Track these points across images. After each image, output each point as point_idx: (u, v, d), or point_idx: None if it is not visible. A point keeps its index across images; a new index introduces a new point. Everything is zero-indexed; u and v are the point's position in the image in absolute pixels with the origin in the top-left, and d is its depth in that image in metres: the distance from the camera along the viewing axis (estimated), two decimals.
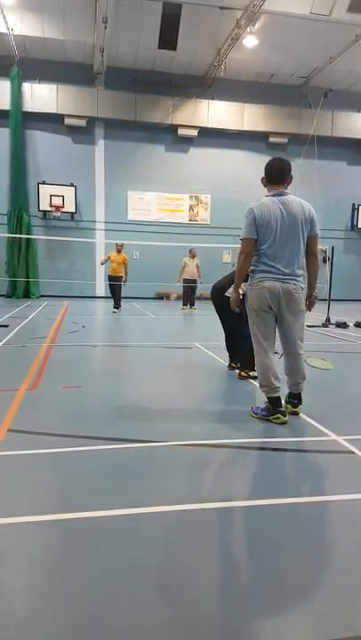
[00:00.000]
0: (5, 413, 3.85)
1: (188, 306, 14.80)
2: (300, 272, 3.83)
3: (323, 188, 19.89)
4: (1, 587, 1.82)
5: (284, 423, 3.77)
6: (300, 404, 4.04)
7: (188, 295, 14.86)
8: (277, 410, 3.82)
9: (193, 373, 5.85)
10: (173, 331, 10.28)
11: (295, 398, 4.04)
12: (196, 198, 19.66)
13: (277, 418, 3.80)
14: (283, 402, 3.93)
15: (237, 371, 5.58)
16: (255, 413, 3.97)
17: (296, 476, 2.99)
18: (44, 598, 1.79)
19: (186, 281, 14.75)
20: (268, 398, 3.88)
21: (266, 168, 3.90)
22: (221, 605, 1.76)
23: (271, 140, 19.45)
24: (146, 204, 19.32)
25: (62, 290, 17.92)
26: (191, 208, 19.68)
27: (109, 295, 18.16)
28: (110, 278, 13.29)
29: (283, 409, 3.85)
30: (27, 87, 17.41)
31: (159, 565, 1.97)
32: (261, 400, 4.06)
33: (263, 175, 3.94)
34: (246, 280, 3.99)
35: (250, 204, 3.83)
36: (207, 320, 11.15)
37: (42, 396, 4.50)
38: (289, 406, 4.02)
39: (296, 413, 4.00)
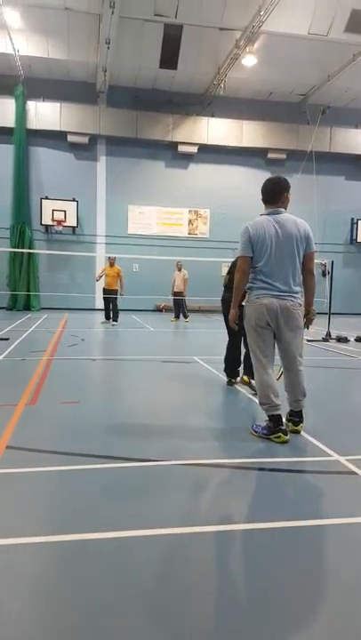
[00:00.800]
0: (4, 429, 3.85)
1: (180, 317, 14.89)
2: (298, 289, 3.83)
3: (321, 203, 20.17)
4: None
5: (285, 442, 3.70)
6: (302, 422, 3.97)
7: (178, 307, 14.96)
8: (278, 428, 3.74)
9: (193, 389, 5.80)
10: (172, 344, 10.36)
11: (296, 416, 3.97)
12: (196, 212, 19.89)
13: (278, 437, 3.73)
14: (284, 420, 3.87)
15: (238, 380, 5.80)
16: (256, 432, 3.91)
17: (296, 498, 2.88)
18: (41, 622, 1.77)
19: (173, 293, 14.95)
20: (268, 416, 3.82)
21: (263, 189, 3.93)
22: (220, 632, 1.73)
23: (270, 155, 19.73)
24: (146, 219, 19.56)
25: (62, 303, 18.11)
26: (190, 222, 19.91)
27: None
28: (105, 292, 13.27)
29: (284, 427, 3.78)
30: (31, 105, 17.77)
31: (157, 589, 1.95)
32: (262, 417, 4.00)
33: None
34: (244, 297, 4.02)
35: (245, 224, 3.88)
36: (206, 333, 11.20)
37: (41, 412, 4.51)
38: (290, 424, 3.96)
39: (297, 432, 3.93)
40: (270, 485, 3.09)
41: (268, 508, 2.69)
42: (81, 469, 3.16)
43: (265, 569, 2.12)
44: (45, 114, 17.88)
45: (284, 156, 19.84)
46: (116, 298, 13.21)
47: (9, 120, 17.53)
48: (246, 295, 3.95)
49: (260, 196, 3.96)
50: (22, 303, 17.97)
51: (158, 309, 19.05)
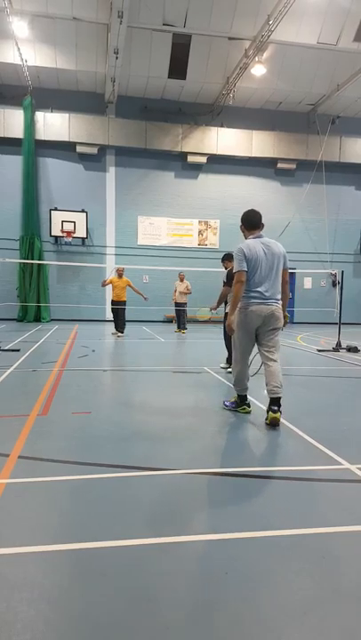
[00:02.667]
0: (16, 440, 3.83)
1: (186, 328, 14.81)
2: (279, 296, 4.72)
3: (331, 213, 20.06)
4: (12, 617, 1.79)
5: (248, 413, 4.93)
6: (280, 410, 4.50)
7: (180, 318, 14.87)
8: (244, 403, 5.01)
9: (204, 399, 5.79)
10: (183, 355, 10.23)
11: (276, 404, 4.52)
12: (206, 223, 19.83)
13: (243, 409, 4.99)
14: (266, 411, 4.73)
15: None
16: (226, 406, 5.13)
17: (306, 507, 2.86)
18: (54, 630, 1.75)
19: (176, 304, 14.85)
20: (238, 395, 5.01)
21: (245, 219, 4.92)
22: None
23: (280, 165, 19.66)
24: (155, 229, 19.51)
25: (72, 314, 18.02)
26: (200, 233, 19.84)
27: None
28: (114, 303, 13.11)
29: (248, 402, 5.02)
30: (40, 116, 17.84)
31: (170, 599, 1.92)
32: (262, 422, 4.56)
33: (241, 225, 4.94)
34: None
35: (239, 245, 4.71)
36: (216, 344, 11.10)
37: (52, 422, 4.47)
38: (270, 413, 4.50)
39: (277, 419, 4.47)
40: (281, 494, 3.08)
41: (279, 516, 2.70)
42: (93, 479, 3.15)
43: (277, 576, 2.12)
44: (54, 124, 17.95)
45: (293, 166, 19.77)
46: (124, 309, 13.10)
47: (18, 131, 17.60)
48: (239, 303, 4.70)
49: (241, 227, 4.96)
50: (33, 315, 17.91)
51: (168, 320, 18.93)
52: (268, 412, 4.53)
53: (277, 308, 4.64)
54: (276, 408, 4.48)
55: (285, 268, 4.76)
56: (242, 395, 5.00)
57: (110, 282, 13.19)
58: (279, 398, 4.51)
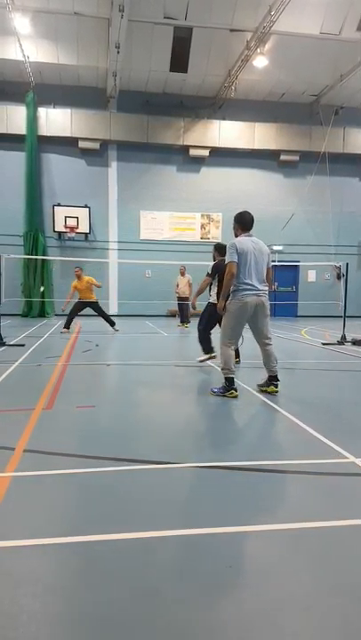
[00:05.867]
0: (21, 434, 3.85)
1: (183, 323, 14.78)
2: (266, 288, 5.36)
3: (335, 205, 19.96)
4: (18, 610, 1.80)
5: (235, 397, 5.24)
6: (278, 383, 5.47)
7: (183, 312, 14.84)
8: (232, 387, 5.31)
9: (206, 393, 5.73)
10: (186, 349, 10.21)
11: (275, 379, 5.46)
12: (208, 217, 19.78)
13: (231, 393, 5.28)
14: (265, 386, 5.55)
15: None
16: (214, 392, 5.39)
17: (311, 500, 2.83)
18: (59, 623, 1.76)
19: (178, 298, 14.83)
20: (226, 379, 5.31)
21: (241, 220, 5.43)
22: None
23: (283, 157, 19.56)
24: (158, 224, 19.48)
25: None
26: (203, 226, 19.80)
27: (125, 314, 18.41)
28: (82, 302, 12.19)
29: (235, 387, 5.33)
30: (42, 112, 17.84)
31: (174, 591, 1.92)
32: (267, 415, 4.49)
33: (235, 224, 5.49)
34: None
35: (232, 241, 5.31)
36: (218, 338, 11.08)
37: (57, 416, 4.50)
38: (272, 387, 5.44)
39: (276, 391, 5.40)
40: (285, 487, 3.08)
41: (282, 509, 2.71)
42: (98, 472, 3.16)
43: (281, 570, 2.11)
44: (56, 120, 17.93)
45: (296, 158, 19.67)
46: (98, 307, 12.35)
47: (20, 127, 17.60)
48: (231, 295, 5.26)
49: (234, 227, 5.53)
50: (37, 310, 18.00)
51: (171, 315, 18.93)
52: (268, 386, 5.45)
53: (266, 298, 5.34)
54: (276, 382, 5.46)
55: (269, 266, 5.44)
56: (230, 378, 5.32)
57: (73, 289, 12.23)
58: (277, 374, 5.48)
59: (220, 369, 5.50)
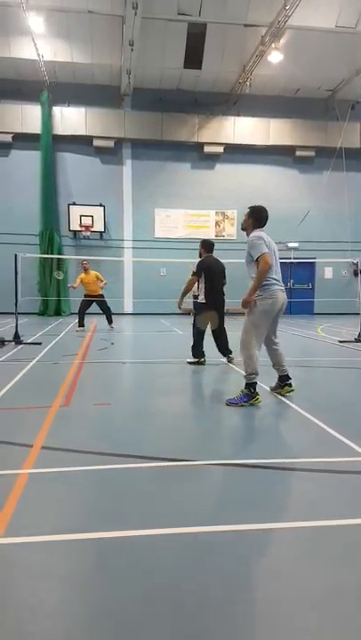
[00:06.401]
0: (39, 431, 3.87)
1: None
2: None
3: (352, 200, 19.71)
4: (37, 604, 1.81)
5: (260, 402, 4.82)
6: (291, 380, 5.24)
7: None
8: (256, 393, 4.84)
9: (222, 391, 5.77)
10: None
11: (287, 379, 5.21)
12: (223, 214, 19.70)
13: (257, 399, 4.82)
14: (279, 388, 5.27)
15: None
16: (233, 403, 4.78)
17: (327, 498, 2.80)
18: (77, 617, 1.77)
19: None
20: (250, 384, 4.82)
21: (258, 214, 5.13)
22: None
23: (298, 153, 19.40)
24: (172, 222, 19.46)
25: (92, 307, 18.02)
26: (217, 224, 19.72)
27: (140, 312, 18.44)
28: (88, 297, 12.47)
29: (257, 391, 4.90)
30: (57, 111, 17.93)
31: (192, 587, 1.92)
32: (282, 413, 4.55)
33: (249, 218, 5.16)
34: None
35: (254, 234, 4.97)
36: (233, 335, 11.04)
37: (74, 413, 4.52)
38: (286, 387, 5.18)
39: (292, 390, 5.17)
40: (302, 485, 3.04)
41: (299, 508, 2.69)
42: (115, 469, 3.16)
43: (299, 568, 2.09)
44: (71, 119, 18.02)
45: (312, 154, 19.50)
46: (104, 301, 12.59)
47: (35, 126, 17.71)
48: (260, 291, 4.80)
49: (243, 224, 5.32)
50: (53, 308, 18.12)
51: (186, 313, 18.90)
52: (282, 387, 5.19)
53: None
54: (290, 382, 5.21)
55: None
56: (252, 383, 4.84)
57: (80, 280, 12.46)
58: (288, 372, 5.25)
59: (244, 374, 4.95)
